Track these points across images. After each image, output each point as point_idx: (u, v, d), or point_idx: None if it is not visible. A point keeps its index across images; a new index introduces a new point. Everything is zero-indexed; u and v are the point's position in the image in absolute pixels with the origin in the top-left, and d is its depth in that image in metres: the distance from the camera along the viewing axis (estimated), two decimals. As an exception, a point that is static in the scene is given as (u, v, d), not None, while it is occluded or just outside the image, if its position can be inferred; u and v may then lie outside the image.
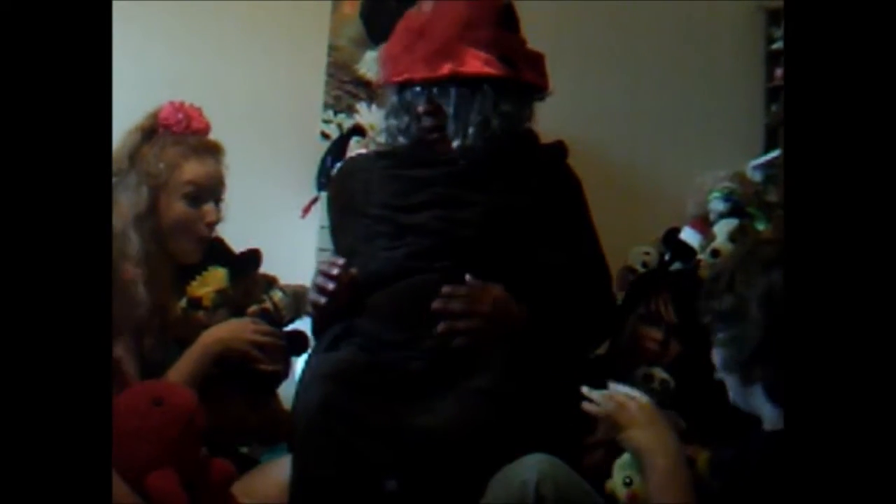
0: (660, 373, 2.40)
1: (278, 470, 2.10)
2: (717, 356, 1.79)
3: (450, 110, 2.20)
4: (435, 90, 2.21)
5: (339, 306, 2.16)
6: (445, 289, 2.07)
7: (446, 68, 2.19)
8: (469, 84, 2.19)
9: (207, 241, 2.31)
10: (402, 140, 2.28)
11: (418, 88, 2.22)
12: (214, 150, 2.31)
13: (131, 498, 1.64)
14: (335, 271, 2.14)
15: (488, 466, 1.90)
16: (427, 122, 2.24)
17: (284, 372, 2.30)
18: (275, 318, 2.31)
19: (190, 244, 2.28)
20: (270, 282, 2.39)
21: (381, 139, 2.37)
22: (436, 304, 2.07)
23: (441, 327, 2.06)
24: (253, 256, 2.37)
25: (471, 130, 2.18)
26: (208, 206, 2.28)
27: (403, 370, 2.04)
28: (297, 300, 2.34)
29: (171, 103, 2.28)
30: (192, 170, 2.25)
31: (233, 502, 1.89)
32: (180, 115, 2.26)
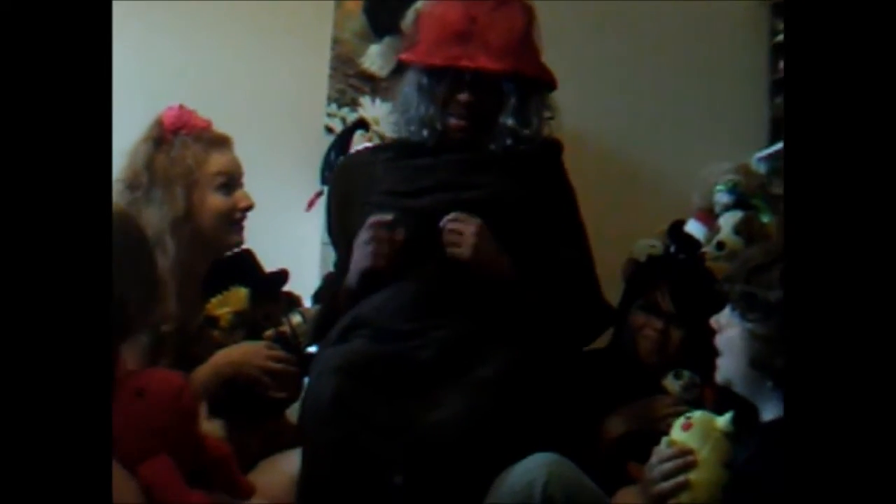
0: (688, 374, 2.41)
1: (288, 463, 2.11)
2: (735, 343, 1.76)
3: (511, 103, 2.25)
4: (483, 82, 2.23)
5: (387, 269, 2.15)
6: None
7: (511, 64, 2.22)
8: (527, 83, 2.26)
9: (243, 222, 2.36)
10: (422, 131, 2.27)
11: (467, 77, 2.23)
12: (227, 141, 2.38)
13: (135, 496, 1.64)
14: (385, 234, 2.15)
15: (495, 460, 1.92)
16: (462, 111, 2.25)
17: (295, 397, 2.29)
18: (291, 343, 2.30)
19: (230, 233, 2.35)
20: (292, 301, 2.39)
21: (389, 131, 2.36)
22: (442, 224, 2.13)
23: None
24: (278, 277, 2.38)
25: (534, 124, 2.27)
26: (239, 193, 2.36)
27: (413, 360, 2.04)
28: (315, 326, 2.32)
29: (170, 108, 2.35)
30: (218, 161, 2.33)
31: (240, 479, 1.89)
32: (184, 117, 2.33)
